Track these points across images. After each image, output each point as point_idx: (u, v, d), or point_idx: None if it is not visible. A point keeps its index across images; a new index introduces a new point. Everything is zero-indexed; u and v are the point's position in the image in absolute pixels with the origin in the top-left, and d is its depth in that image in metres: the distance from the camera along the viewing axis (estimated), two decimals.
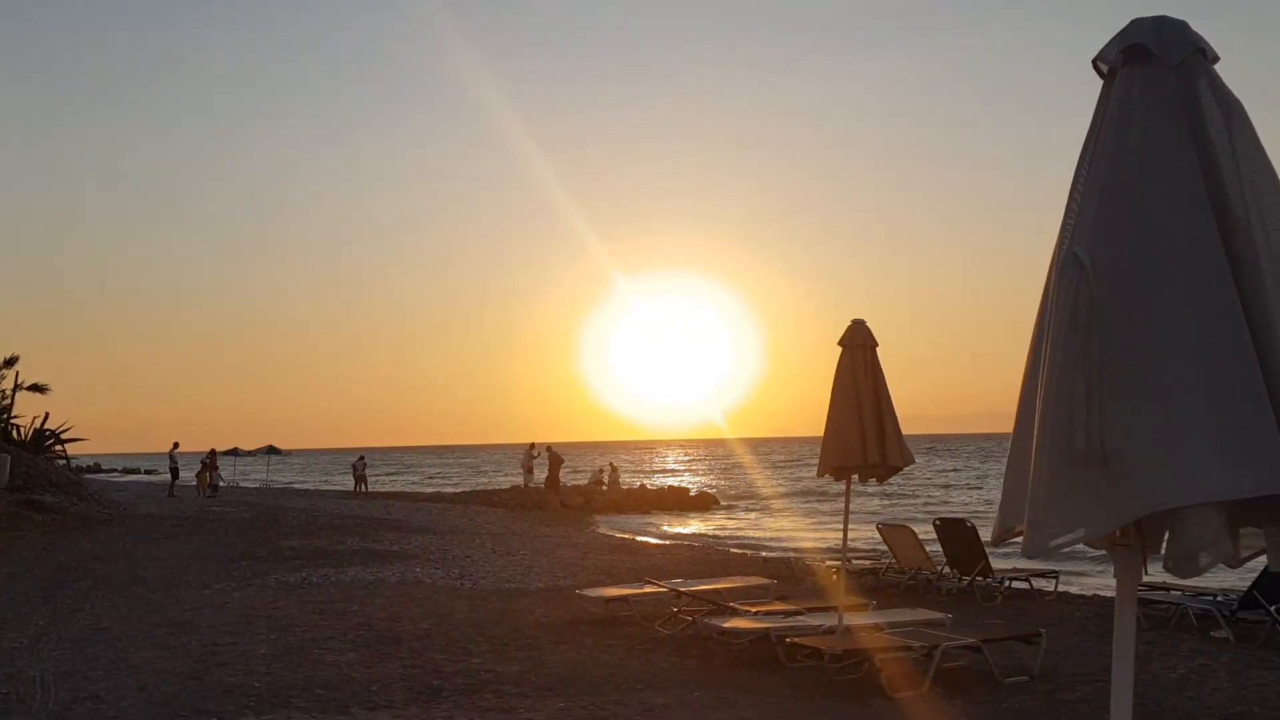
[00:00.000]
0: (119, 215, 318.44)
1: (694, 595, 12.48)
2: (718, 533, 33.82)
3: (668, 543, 28.23)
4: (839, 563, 17.15)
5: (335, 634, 11.77)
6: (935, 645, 9.33)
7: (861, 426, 9.30)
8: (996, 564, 15.74)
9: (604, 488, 44.72)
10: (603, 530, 31.80)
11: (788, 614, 11.36)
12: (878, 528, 18.01)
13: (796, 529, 34.38)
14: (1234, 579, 13.31)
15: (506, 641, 11.39)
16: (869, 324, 9.84)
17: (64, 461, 37.28)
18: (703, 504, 46.40)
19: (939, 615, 11.35)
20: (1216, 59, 2.68)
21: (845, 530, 10.71)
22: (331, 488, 62.73)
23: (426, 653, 10.70)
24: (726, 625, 10.48)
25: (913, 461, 9.77)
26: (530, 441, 45.37)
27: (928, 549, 16.55)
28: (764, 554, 20.94)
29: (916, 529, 17.17)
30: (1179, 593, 13.27)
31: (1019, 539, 2.83)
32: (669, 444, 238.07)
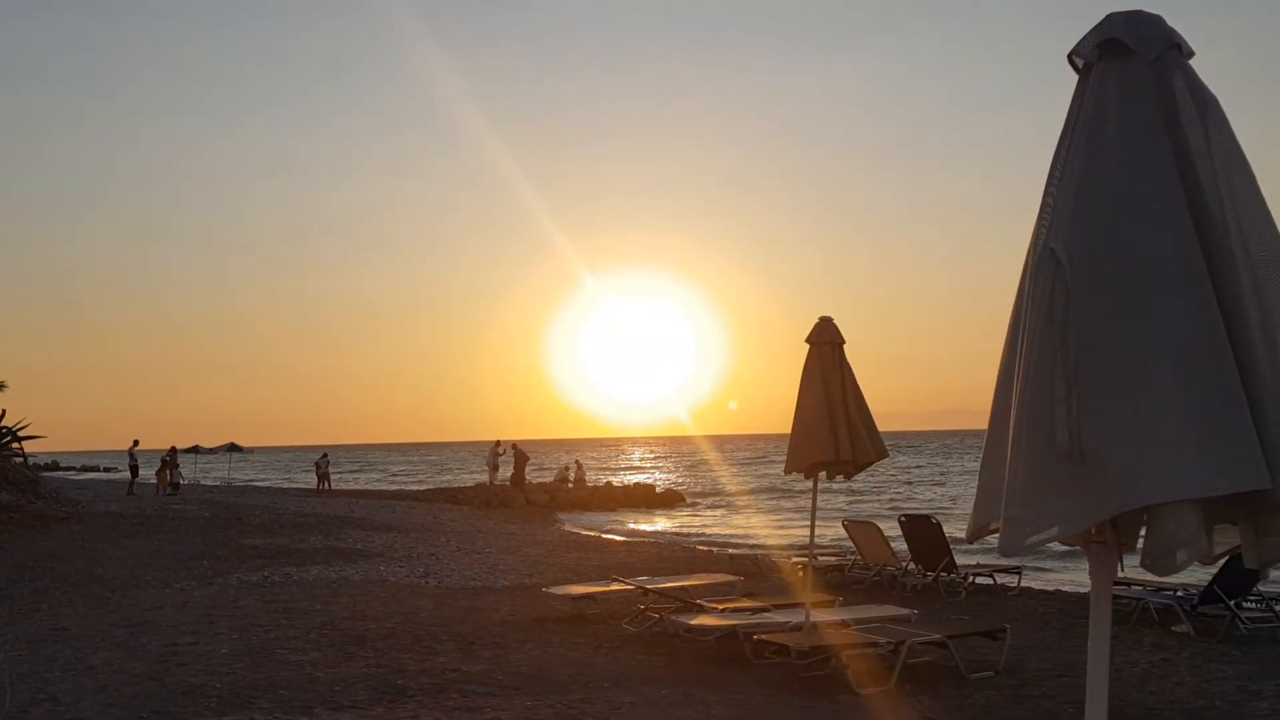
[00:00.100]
0: (78, 211, 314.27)
1: (661, 593, 12.45)
2: (684, 530, 33.83)
3: (634, 540, 28.20)
4: (805, 559, 17.26)
5: (298, 633, 11.64)
6: (901, 641, 9.36)
7: (830, 424, 9.30)
8: (960, 560, 15.87)
9: (570, 485, 44.61)
10: (568, 528, 31.71)
11: (754, 611, 11.35)
12: (844, 524, 18.08)
13: (762, 526, 34.46)
14: (1194, 574, 13.47)
15: (472, 640, 11.31)
16: (835, 322, 9.86)
17: (21, 459, 36.62)
18: (668, 501, 46.41)
19: (905, 611, 11.41)
20: (1191, 54, 2.68)
21: (812, 527, 10.72)
22: (294, 485, 62.22)
23: (391, 652, 10.60)
24: (693, 622, 10.47)
25: (885, 455, 9.78)
26: (496, 439, 45.16)
27: (892, 545, 16.65)
28: (730, 551, 20.95)
29: (881, 525, 17.26)
30: (1140, 588, 13.41)
31: (993, 536, 2.81)
32: (635, 441, 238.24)
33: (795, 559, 18.21)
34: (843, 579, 16.49)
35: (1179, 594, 12.43)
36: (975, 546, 24.55)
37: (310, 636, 11.45)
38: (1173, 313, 2.51)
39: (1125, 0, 2.79)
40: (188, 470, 58.13)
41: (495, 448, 44.10)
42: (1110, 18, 2.71)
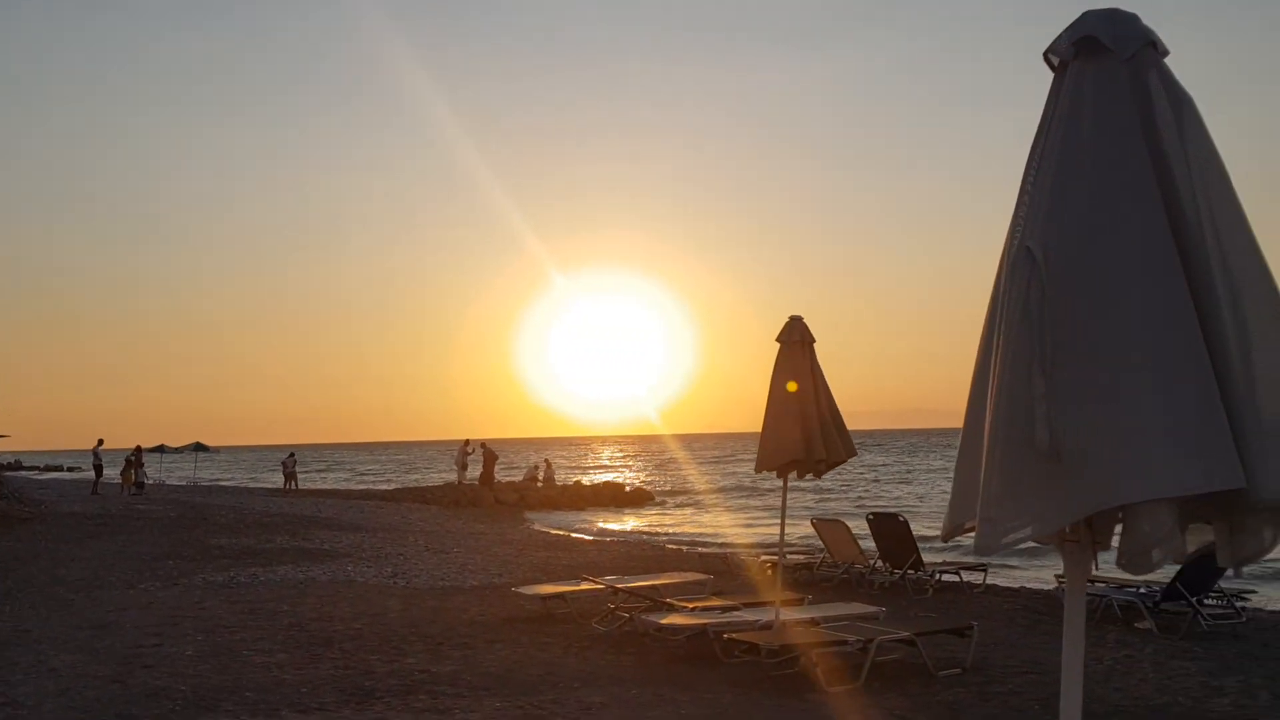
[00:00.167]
0: (42, 209, 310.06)
1: (630, 592, 12.43)
2: (653, 529, 33.83)
3: (603, 539, 28.18)
4: (774, 558, 17.30)
5: (265, 634, 11.52)
6: (870, 639, 9.39)
7: (802, 422, 9.32)
8: (926, 557, 15.98)
9: (539, 484, 44.52)
10: (538, 527, 31.63)
11: (724, 610, 11.36)
12: (812, 522, 18.14)
13: (730, 524, 34.53)
14: (1157, 571, 13.60)
15: (441, 641, 11.24)
16: (805, 321, 9.88)
17: None
18: (638, 500, 46.41)
19: (873, 609, 11.45)
20: (1166, 52, 2.68)
21: (782, 525, 10.74)
22: (260, 485, 61.73)
23: (359, 653, 10.52)
24: (663, 622, 10.45)
25: (854, 454, 9.82)
26: (465, 438, 44.98)
27: (860, 543, 16.72)
28: (700, 550, 20.96)
29: (849, 524, 17.33)
30: (1103, 585, 13.55)
31: (968, 535, 2.81)
32: (604, 440, 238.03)
33: (764, 557, 18.23)
34: (811, 577, 16.54)
35: (1142, 591, 12.56)
36: (942, 544, 24.68)
37: (277, 638, 11.34)
38: (1148, 311, 2.52)
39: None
40: (153, 470, 57.55)
41: (464, 447, 43.93)
42: (1086, 16, 2.71)
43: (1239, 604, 12.43)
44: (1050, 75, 2.80)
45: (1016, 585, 16.91)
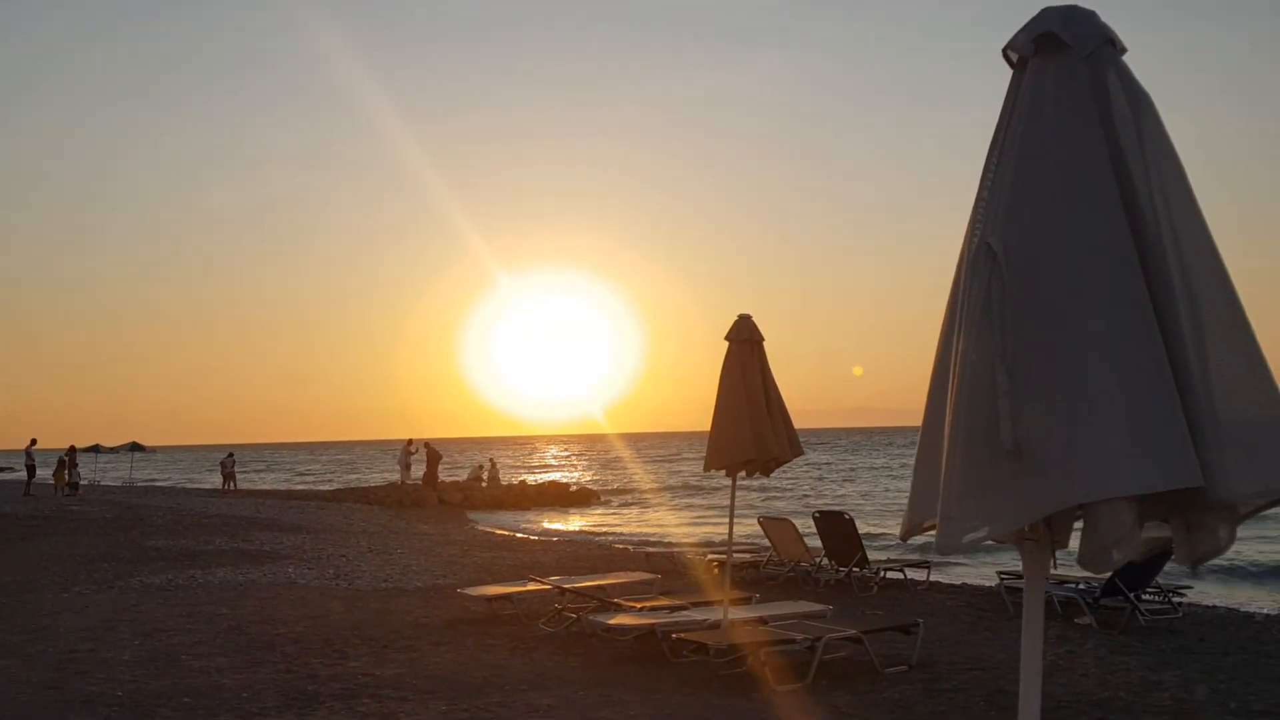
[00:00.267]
0: None
1: (577, 592, 12.36)
2: (599, 528, 33.74)
3: (548, 539, 28.05)
4: (721, 556, 17.32)
5: (204, 638, 11.28)
6: (818, 637, 9.41)
7: (752, 421, 9.31)
8: (871, 555, 16.11)
9: (483, 484, 44.24)
10: (482, 527, 31.39)
11: (672, 609, 11.33)
12: (759, 521, 18.19)
13: (676, 523, 34.55)
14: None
15: (385, 643, 11.08)
16: (753, 319, 9.88)
17: None
18: (583, 499, 46.28)
19: (820, 607, 11.50)
20: (1124, 50, 2.68)
21: (731, 524, 10.73)
22: (198, 486, 60.71)
23: (301, 656, 10.33)
24: (611, 622, 10.40)
25: (801, 452, 9.84)
26: (409, 438, 44.58)
27: (806, 541, 16.80)
28: (647, 549, 20.93)
29: (795, 522, 17.42)
30: (1044, 581, 13.73)
31: (927, 534, 2.79)
32: (549, 439, 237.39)
33: (711, 556, 18.25)
34: (758, 575, 16.59)
35: (1081, 587, 12.75)
36: (887, 542, 24.86)
37: (217, 641, 11.11)
38: (1107, 310, 2.51)
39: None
40: (87, 470, 56.34)
41: (407, 446, 43.53)
42: (1045, 13, 2.70)
43: (1175, 599, 12.66)
44: (1008, 72, 2.79)
45: (959, 582, 17.11)
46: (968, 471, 2.55)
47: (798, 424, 9.89)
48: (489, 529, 30.66)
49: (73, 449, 45.28)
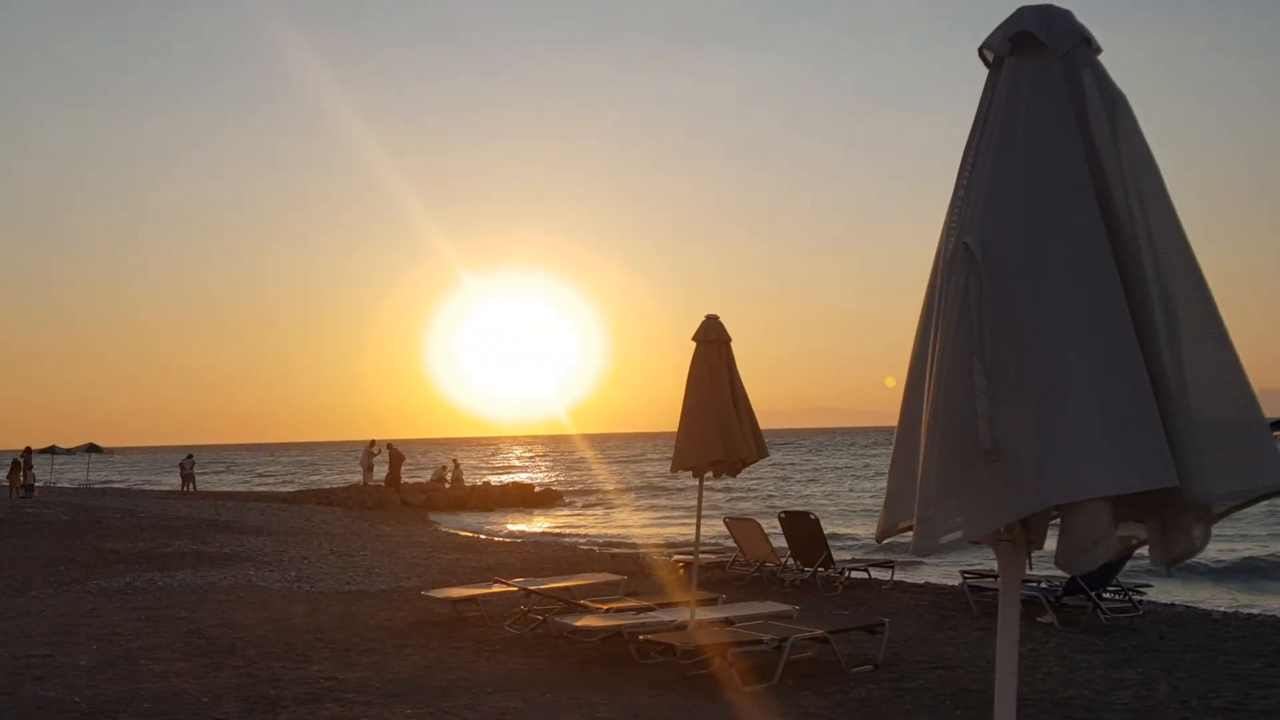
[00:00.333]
0: None
1: (543, 594, 12.30)
2: (563, 529, 33.65)
3: (513, 540, 27.93)
4: (687, 557, 17.31)
5: (163, 642, 11.11)
6: (785, 638, 9.42)
7: (720, 422, 9.30)
8: (835, 555, 16.17)
9: (447, 485, 43.96)
10: (446, 529, 31.20)
11: (639, 610, 11.30)
12: (725, 521, 18.20)
13: (641, 524, 34.54)
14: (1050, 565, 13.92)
15: (348, 647, 10.96)
16: (720, 320, 9.87)
17: None
18: (547, 500, 46.14)
19: (786, 607, 11.51)
20: (1100, 50, 2.68)
21: (698, 525, 10.71)
22: (157, 487, 59.93)
23: (263, 660, 10.20)
24: (578, 624, 10.34)
25: (766, 454, 9.85)
26: (371, 439, 44.24)
27: (771, 541, 16.84)
28: (612, 550, 20.89)
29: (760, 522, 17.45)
30: None
31: (902, 535, 2.78)
32: (514, 440, 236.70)
33: (677, 557, 18.24)
34: (724, 576, 16.60)
35: (1043, 586, 12.86)
36: (850, 541, 24.94)
37: (176, 646, 10.95)
38: (1084, 310, 2.51)
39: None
40: (43, 472, 55.46)
41: (370, 448, 43.22)
42: (1021, 11, 2.70)
43: (1135, 598, 12.80)
44: (974, 73, 2.78)
45: (922, 581, 17.21)
46: (945, 472, 2.54)
47: (759, 424, 9.89)
48: (452, 530, 30.48)
49: (28, 450, 44.64)
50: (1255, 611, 14.01)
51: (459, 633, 11.78)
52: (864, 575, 16.48)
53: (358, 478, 44.10)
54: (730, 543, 17.98)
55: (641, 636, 9.96)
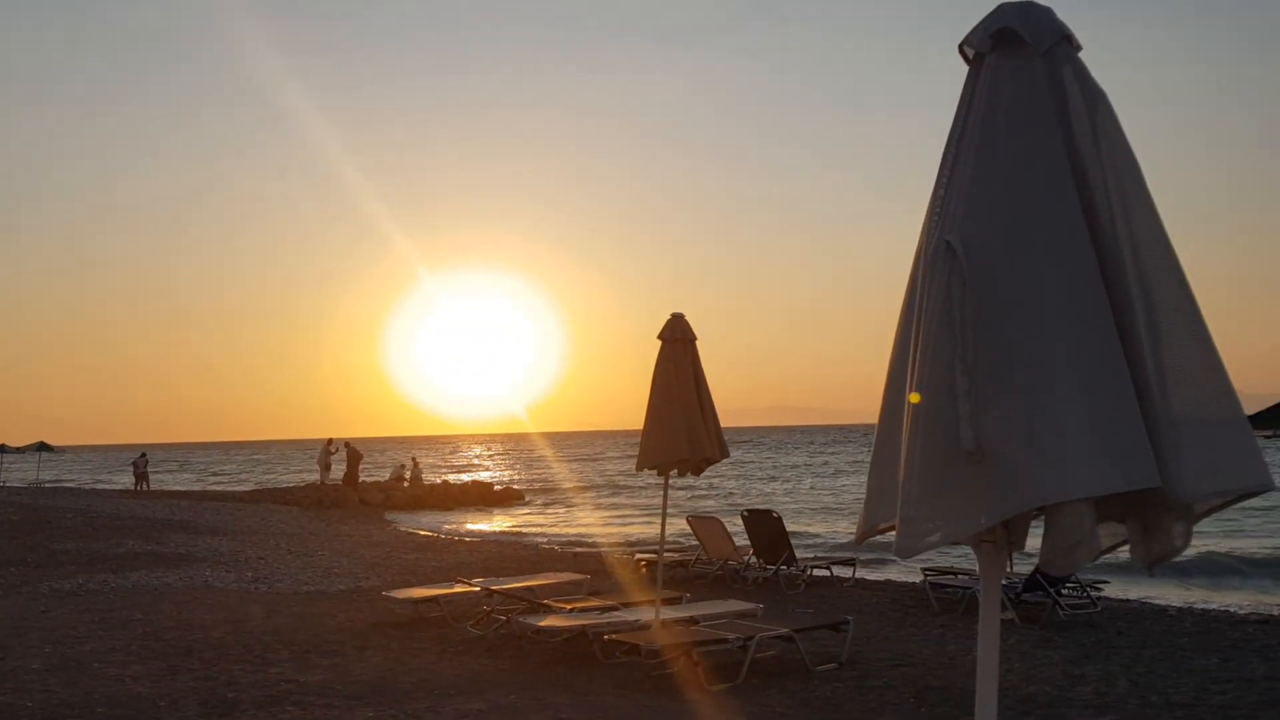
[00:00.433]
0: None
1: (506, 594, 12.21)
2: (524, 528, 33.50)
3: (474, 540, 27.75)
4: (650, 556, 17.29)
5: (118, 645, 10.91)
6: (750, 636, 9.41)
7: (686, 420, 9.26)
8: (798, 553, 16.23)
9: (406, 484, 43.63)
10: (405, 528, 30.94)
11: (603, 610, 11.25)
12: (688, 520, 18.19)
13: (602, 523, 34.47)
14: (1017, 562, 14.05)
15: (308, 648, 10.82)
16: (686, 318, 9.83)
17: None
18: (507, 499, 45.90)
19: (750, 606, 11.50)
20: (1080, 47, 2.67)
21: (663, 523, 10.66)
22: (109, 487, 59.00)
23: (220, 663, 10.04)
24: (542, 624, 10.27)
25: (728, 455, 9.85)
26: (328, 437, 43.79)
27: (734, 539, 16.85)
28: (575, 549, 20.81)
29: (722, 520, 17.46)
30: (966, 577, 13.96)
31: (882, 536, 2.75)
32: (473, 438, 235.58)
33: (640, 556, 18.21)
34: (686, 574, 16.59)
35: (1003, 582, 12.95)
36: (813, 540, 25.03)
37: (132, 648, 10.75)
38: (1066, 309, 2.49)
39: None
40: None
41: (327, 446, 42.76)
42: (1002, 8, 2.68)
43: (1093, 594, 12.94)
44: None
45: (883, 579, 17.29)
46: (927, 473, 2.51)
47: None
48: (411, 530, 30.24)
49: None
50: (1210, 607, 14.20)
51: (420, 634, 11.67)
52: (826, 573, 16.55)
53: (314, 476, 43.66)
54: (692, 541, 17.97)
55: (606, 636, 9.91)
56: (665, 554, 17.55)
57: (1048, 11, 2.66)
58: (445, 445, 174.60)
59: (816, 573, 16.41)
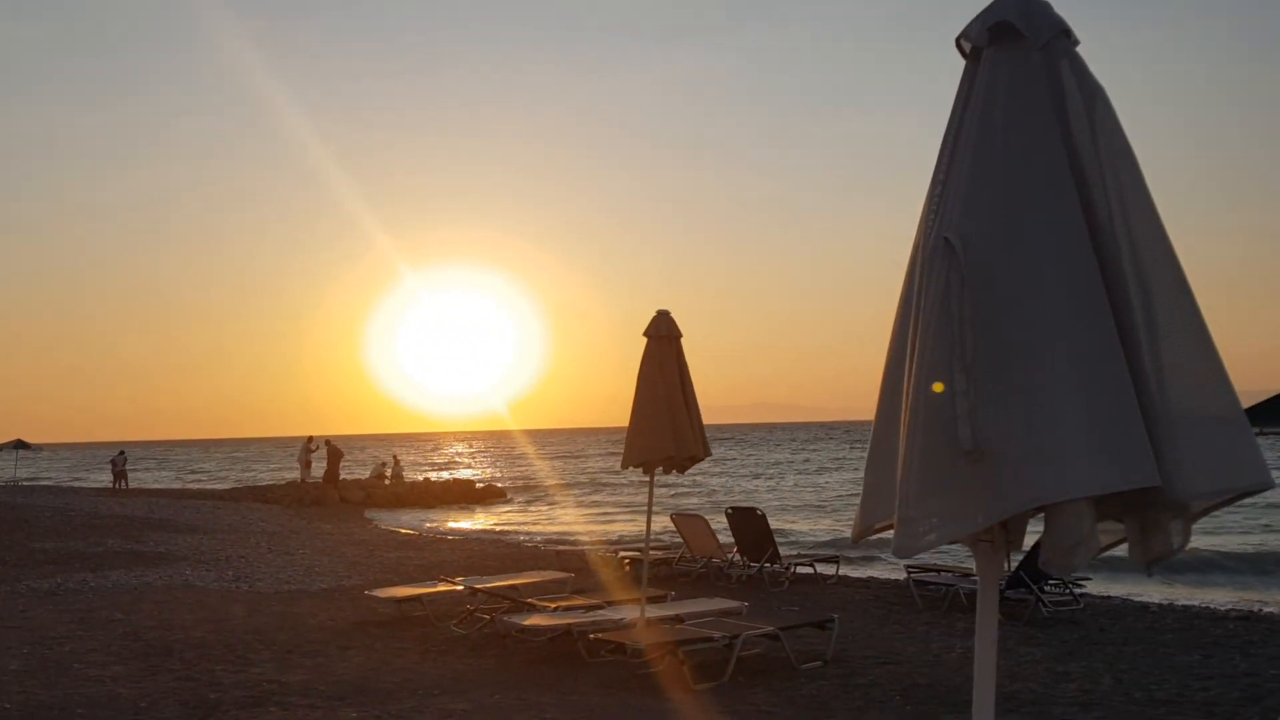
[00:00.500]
0: None
1: (489, 592, 12.15)
2: (507, 526, 33.41)
3: (456, 538, 27.66)
4: (634, 554, 17.26)
5: (98, 645, 10.81)
6: (736, 635, 9.39)
7: (671, 418, 9.23)
8: (781, 550, 16.23)
9: (387, 481, 43.44)
10: (386, 526, 30.80)
11: (588, 609, 11.20)
12: (672, 517, 18.17)
13: (585, 521, 34.41)
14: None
15: (290, 648, 10.74)
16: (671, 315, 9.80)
17: None
18: (489, 497, 45.77)
19: (735, 604, 11.48)
20: (1078, 42, 2.64)
21: (649, 521, 10.62)
22: (87, 485, 58.55)
23: (202, 663, 9.95)
24: (526, 623, 10.22)
25: (710, 453, 9.82)
26: (309, 434, 43.56)
27: (718, 537, 16.84)
28: (558, 547, 20.75)
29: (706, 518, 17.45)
30: (949, 574, 13.99)
31: (879, 535, 2.73)
32: (455, 435, 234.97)
33: (624, 554, 18.18)
34: (670, 572, 16.57)
35: None
36: (795, 537, 25.04)
37: (111, 649, 10.65)
38: (1065, 307, 2.46)
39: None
40: None
41: (308, 444, 42.52)
42: (1000, 1, 2.65)
43: (1076, 590, 12.98)
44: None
45: (866, 576, 17.33)
46: (926, 472, 2.48)
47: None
48: (393, 528, 30.12)
49: None
50: (1192, 604, 14.28)
51: (403, 633, 11.60)
52: (810, 570, 16.56)
53: (295, 474, 43.40)
54: (676, 538, 17.94)
55: (591, 635, 9.88)
56: (650, 552, 17.56)
57: (1046, 5, 2.63)
58: (427, 443, 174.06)
59: (800, 570, 16.41)
